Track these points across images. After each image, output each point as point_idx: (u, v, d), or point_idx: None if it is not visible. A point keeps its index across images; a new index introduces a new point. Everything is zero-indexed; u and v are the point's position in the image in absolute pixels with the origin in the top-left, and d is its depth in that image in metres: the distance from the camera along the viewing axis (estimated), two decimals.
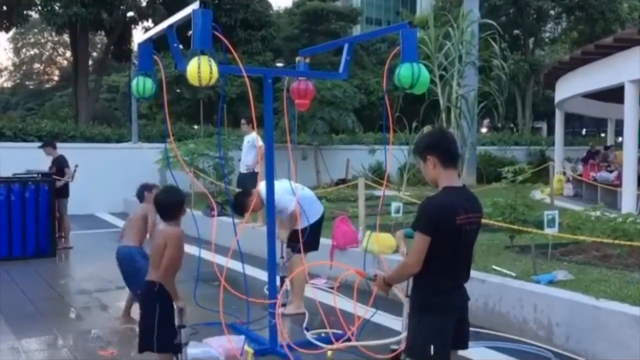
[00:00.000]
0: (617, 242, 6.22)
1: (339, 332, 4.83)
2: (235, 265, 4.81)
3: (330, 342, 4.64)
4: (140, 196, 5.70)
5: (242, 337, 4.79)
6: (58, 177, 9.79)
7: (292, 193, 5.46)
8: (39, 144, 10.76)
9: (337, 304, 5.11)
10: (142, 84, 4.52)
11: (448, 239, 2.86)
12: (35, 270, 8.31)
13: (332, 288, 6.78)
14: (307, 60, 5.16)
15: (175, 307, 3.85)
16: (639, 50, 10.72)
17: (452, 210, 2.87)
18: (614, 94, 12.74)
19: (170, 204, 3.95)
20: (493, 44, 11.65)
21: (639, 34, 10.46)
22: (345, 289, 5.67)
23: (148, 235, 5.49)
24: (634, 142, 11.41)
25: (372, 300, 4.47)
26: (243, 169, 10.45)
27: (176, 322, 3.84)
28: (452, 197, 2.92)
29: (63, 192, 9.96)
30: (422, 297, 2.96)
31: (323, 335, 5.01)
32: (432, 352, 2.86)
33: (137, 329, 4.03)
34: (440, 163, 2.96)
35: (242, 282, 4.55)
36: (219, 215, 10.50)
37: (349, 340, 4.64)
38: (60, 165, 10.00)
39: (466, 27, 11.40)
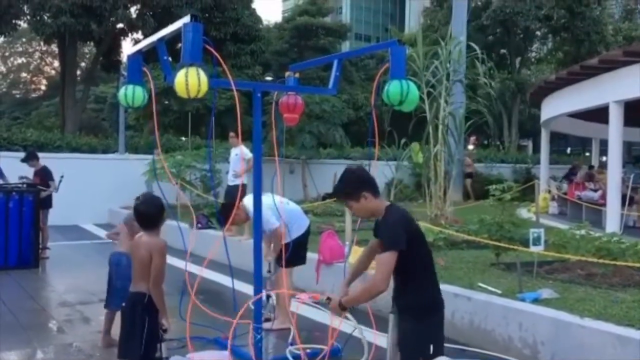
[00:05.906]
0: (601, 261, 6.26)
1: (323, 347, 4.79)
2: (222, 279, 4.78)
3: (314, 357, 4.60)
4: None
5: (226, 352, 4.74)
6: (43, 188, 9.69)
7: (276, 210, 5.44)
8: (23, 154, 10.42)
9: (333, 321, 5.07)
10: (131, 93, 4.46)
11: (422, 242, 3.09)
12: (16, 281, 8.19)
13: (317, 303, 6.75)
14: (297, 75, 5.17)
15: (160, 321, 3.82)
16: (623, 71, 10.88)
17: (411, 218, 3.14)
18: (599, 114, 12.89)
19: (151, 213, 3.93)
20: (478, 64, 11.71)
21: (624, 56, 10.62)
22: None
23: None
24: (618, 162, 11.53)
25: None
26: (231, 182, 10.45)
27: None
28: (400, 210, 3.16)
29: (46, 203, 9.86)
30: (423, 301, 3.09)
31: (309, 350, 4.96)
32: (431, 351, 2.99)
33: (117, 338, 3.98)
34: (372, 195, 3.17)
35: (227, 295, 4.51)
36: (205, 227, 10.49)
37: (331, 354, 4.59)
38: (43, 176, 9.89)
39: (454, 47, 11.50)
